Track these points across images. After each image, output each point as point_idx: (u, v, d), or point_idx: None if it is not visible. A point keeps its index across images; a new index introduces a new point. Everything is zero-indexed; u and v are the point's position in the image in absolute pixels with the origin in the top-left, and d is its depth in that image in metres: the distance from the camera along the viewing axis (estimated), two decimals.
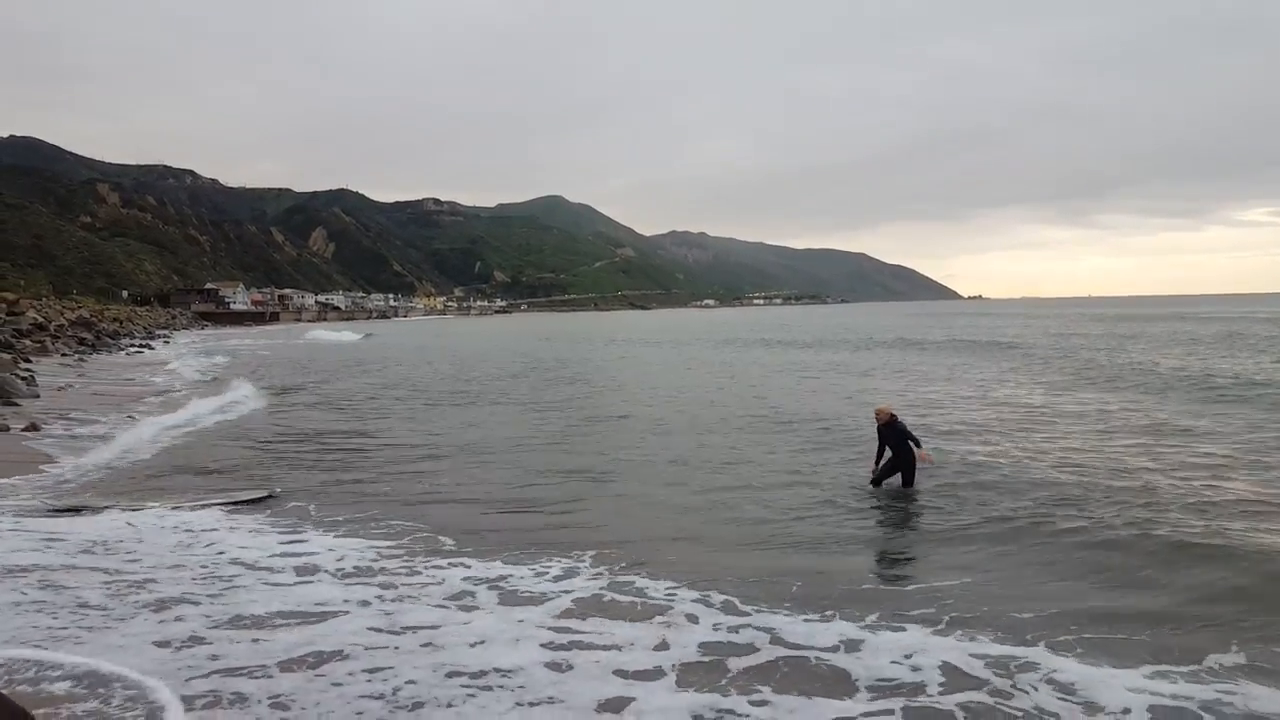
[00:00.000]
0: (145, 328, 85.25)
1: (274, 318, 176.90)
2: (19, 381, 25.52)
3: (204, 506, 11.51)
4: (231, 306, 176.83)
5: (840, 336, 63.48)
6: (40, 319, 54.90)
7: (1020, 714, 5.38)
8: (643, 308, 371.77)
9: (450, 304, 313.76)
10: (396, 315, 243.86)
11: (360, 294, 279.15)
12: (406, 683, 5.76)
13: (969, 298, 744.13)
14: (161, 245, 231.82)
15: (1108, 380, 26.33)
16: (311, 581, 8.09)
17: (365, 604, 7.38)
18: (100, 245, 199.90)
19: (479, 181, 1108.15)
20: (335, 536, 9.86)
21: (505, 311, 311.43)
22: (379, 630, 6.74)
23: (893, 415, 12.18)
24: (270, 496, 12.13)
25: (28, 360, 33.67)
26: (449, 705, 5.45)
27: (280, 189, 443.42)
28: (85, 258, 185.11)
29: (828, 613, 7.07)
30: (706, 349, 52.61)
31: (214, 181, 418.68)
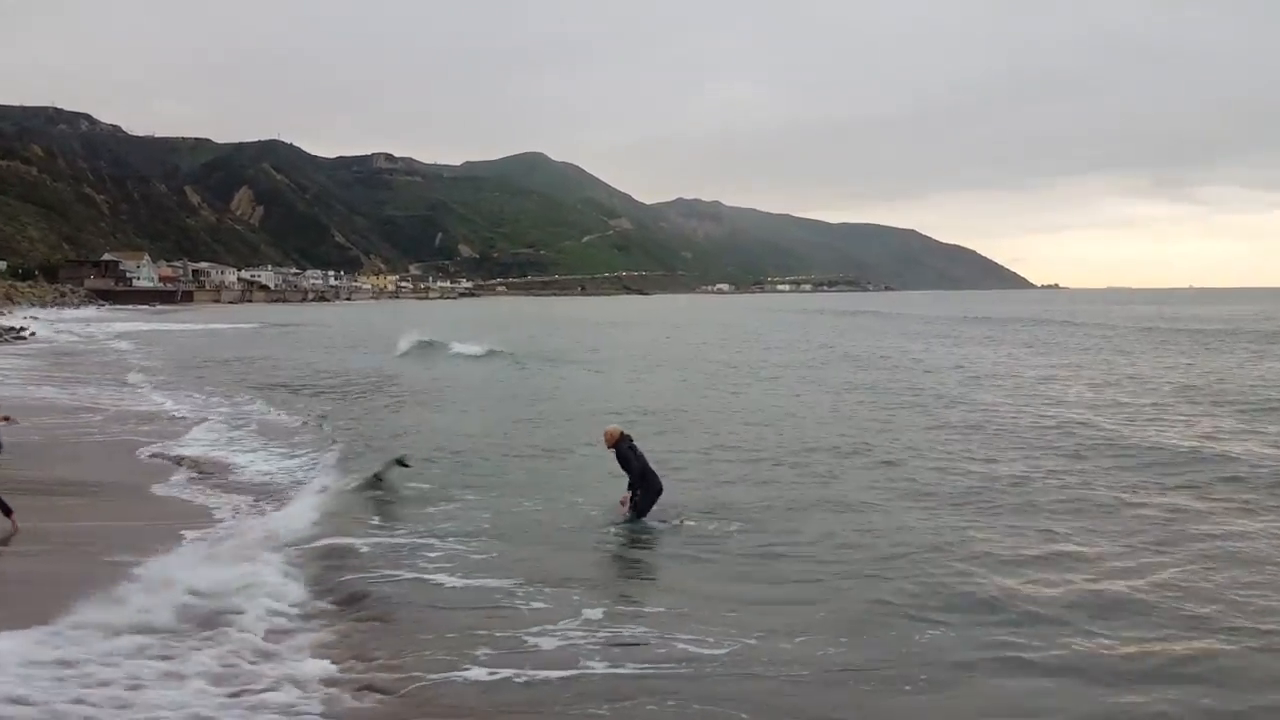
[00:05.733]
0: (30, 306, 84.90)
1: (187, 297, 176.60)
2: None
3: None
4: (135, 283, 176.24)
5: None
6: None
7: None
8: (640, 292, 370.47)
9: (404, 284, 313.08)
10: (339, 297, 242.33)
11: (294, 270, 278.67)
12: None
13: (1043, 287, 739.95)
14: (49, 206, 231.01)
15: None
16: None
17: None
18: None
19: (442, 134, 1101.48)
20: None
21: (472, 294, 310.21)
22: None
23: (621, 436, 12.20)
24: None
25: None
26: None
27: (196, 139, 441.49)
28: None
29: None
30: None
31: (114, 129, 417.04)
